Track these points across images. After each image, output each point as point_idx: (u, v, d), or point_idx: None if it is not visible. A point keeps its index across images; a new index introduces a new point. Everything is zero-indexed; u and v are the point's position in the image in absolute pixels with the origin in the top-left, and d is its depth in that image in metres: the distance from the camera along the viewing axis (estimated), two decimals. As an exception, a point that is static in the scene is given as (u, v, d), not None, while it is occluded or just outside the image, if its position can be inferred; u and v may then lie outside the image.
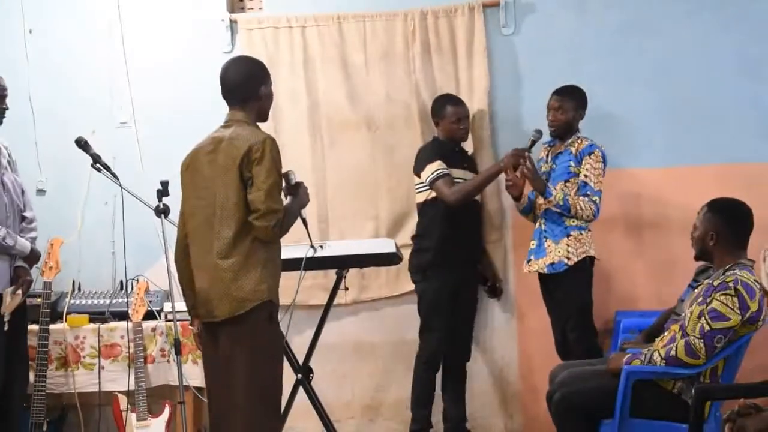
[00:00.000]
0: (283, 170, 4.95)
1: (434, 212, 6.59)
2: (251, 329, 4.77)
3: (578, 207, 6.20)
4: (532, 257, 6.46)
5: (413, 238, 6.81)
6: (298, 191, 5.06)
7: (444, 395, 6.78)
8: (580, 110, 6.45)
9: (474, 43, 7.06)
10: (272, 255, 4.87)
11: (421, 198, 6.69)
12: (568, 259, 6.26)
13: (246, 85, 4.94)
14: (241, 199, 4.74)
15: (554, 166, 6.43)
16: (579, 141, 6.37)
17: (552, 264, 6.32)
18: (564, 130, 6.42)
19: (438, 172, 6.50)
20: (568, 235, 6.29)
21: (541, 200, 6.38)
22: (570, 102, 6.41)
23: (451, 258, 6.56)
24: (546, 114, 6.46)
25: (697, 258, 5.39)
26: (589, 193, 6.23)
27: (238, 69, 5.00)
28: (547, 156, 6.53)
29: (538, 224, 6.47)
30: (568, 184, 6.32)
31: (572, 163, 6.33)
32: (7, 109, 6.13)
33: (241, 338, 4.79)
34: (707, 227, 5.22)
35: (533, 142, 6.41)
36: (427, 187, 6.58)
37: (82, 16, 7.36)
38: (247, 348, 4.77)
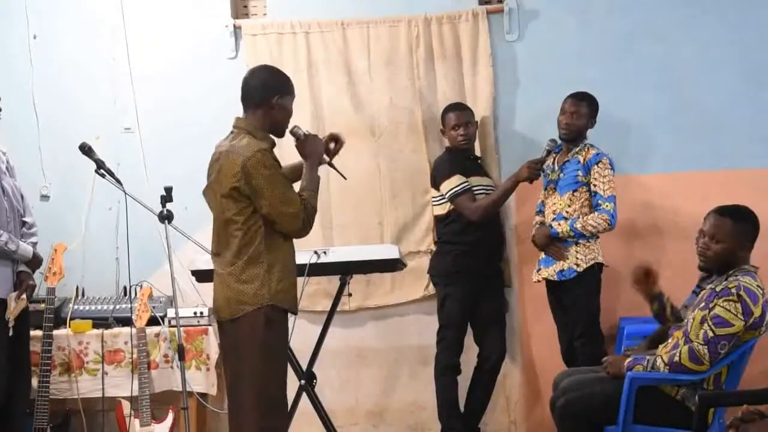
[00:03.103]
0: (289, 128, 5.02)
1: (457, 221, 6.61)
2: (248, 332, 4.79)
3: (589, 227, 6.20)
4: (542, 266, 6.48)
5: (436, 242, 6.83)
6: (306, 148, 5.03)
7: (470, 395, 6.75)
8: (593, 118, 6.46)
9: (478, 50, 7.06)
10: (280, 258, 4.87)
11: (440, 210, 6.70)
12: (578, 266, 6.27)
13: (260, 92, 4.90)
14: (242, 209, 4.77)
15: (562, 175, 6.41)
16: (586, 150, 6.36)
17: (561, 271, 6.32)
18: (576, 135, 6.41)
19: (458, 188, 6.53)
20: (577, 243, 6.29)
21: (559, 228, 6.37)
22: (586, 108, 6.41)
23: (473, 263, 6.57)
24: (558, 116, 6.43)
25: (709, 269, 5.28)
26: (600, 201, 6.22)
27: (259, 75, 5.01)
28: (554, 164, 6.51)
29: None
30: (576, 194, 6.32)
31: (580, 173, 6.31)
32: (0, 110, 6.07)
33: (241, 341, 4.83)
34: (740, 241, 5.13)
35: (548, 152, 6.42)
36: (447, 201, 6.60)
37: (86, 22, 7.37)
38: (247, 351, 4.81)
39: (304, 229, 4.87)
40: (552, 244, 6.35)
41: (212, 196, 4.90)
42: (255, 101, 4.92)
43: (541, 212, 6.63)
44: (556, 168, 6.47)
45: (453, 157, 6.69)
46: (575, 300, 6.33)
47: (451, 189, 6.54)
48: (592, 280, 6.32)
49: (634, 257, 6.84)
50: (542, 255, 6.49)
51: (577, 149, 6.38)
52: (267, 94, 4.91)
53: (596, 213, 6.22)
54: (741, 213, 5.19)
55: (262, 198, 4.73)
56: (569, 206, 6.34)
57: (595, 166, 6.27)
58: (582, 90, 6.48)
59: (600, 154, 6.31)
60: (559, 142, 6.49)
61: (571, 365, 6.26)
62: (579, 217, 6.26)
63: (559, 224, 6.29)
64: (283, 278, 4.88)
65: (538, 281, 6.54)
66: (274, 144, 4.97)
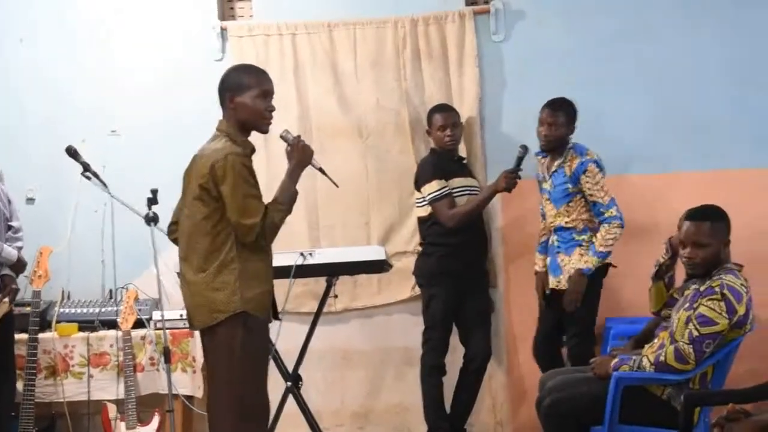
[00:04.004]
0: (280, 133, 5.01)
1: (439, 223, 6.57)
2: (225, 340, 4.76)
3: (609, 242, 6.16)
4: (550, 276, 6.45)
5: (420, 244, 6.81)
6: (294, 153, 4.97)
7: (456, 396, 6.74)
8: (572, 124, 6.40)
9: (464, 50, 7.06)
10: (253, 266, 4.81)
11: (422, 212, 6.67)
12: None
13: (220, 93, 4.92)
14: (211, 213, 4.73)
15: (552, 185, 6.39)
16: (571, 157, 6.31)
17: (569, 277, 6.30)
18: (557, 145, 6.36)
19: (437, 193, 6.51)
20: (580, 245, 6.28)
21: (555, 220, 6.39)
22: (564, 117, 6.34)
23: (457, 264, 6.55)
24: (537, 127, 6.39)
25: (698, 275, 5.24)
26: (602, 210, 6.19)
27: (223, 75, 4.98)
28: (544, 171, 6.47)
29: (550, 241, 6.47)
30: (571, 204, 6.30)
31: (569, 186, 6.27)
32: None
33: (216, 349, 4.81)
34: (721, 239, 5.13)
35: (520, 159, 6.36)
36: (427, 204, 6.59)
37: (72, 25, 7.36)
38: (222, 359, 4.78)
39: (257, 244, 4.77)
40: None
41: (188, 199, 4.84)
42: (220, 102, 4.93)
43: (544, 217, 6.60)
44: (547, 177, 6.44)
45: (436, 159, 6.67)
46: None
47: (431, 193, 6.53)
48: (597, 281, 6.29)
49: (622, 258, 6.83)
50: (547, 259, 6.49)
51: (562, 159, 6.34)
52: (223, 94, 4.91)
53: (606, 225, 6.18)
54: (714, 212, 5.20)
55: (226, 201, 4.69)
56: (568, 217, 6.33)
57: (583, 176, 6.23)
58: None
59: (585, 162, 6.25)
60: (534, 151, 6.47)
61: (544, 361, 6.34)
62: (589, 234, 6.26)
63: (587, 260, 6.19)
64: (257, 285, 4.81)
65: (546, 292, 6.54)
66: (253, 150, 4.94)
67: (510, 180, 6.35)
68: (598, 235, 6.21)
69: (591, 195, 6.23)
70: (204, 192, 4.72)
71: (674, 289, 5.59)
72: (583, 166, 6.24)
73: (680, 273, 5.53)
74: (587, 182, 6.22)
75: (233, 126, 4.88)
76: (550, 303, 6.51)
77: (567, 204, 6.31)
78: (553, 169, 6.38)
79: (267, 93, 4.95)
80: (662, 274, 5.63)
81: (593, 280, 6.26)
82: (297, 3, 7.29)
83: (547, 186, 6.44)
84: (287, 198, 4.87)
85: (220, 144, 4.80)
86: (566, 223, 6.33)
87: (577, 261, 6.26)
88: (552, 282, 6.42)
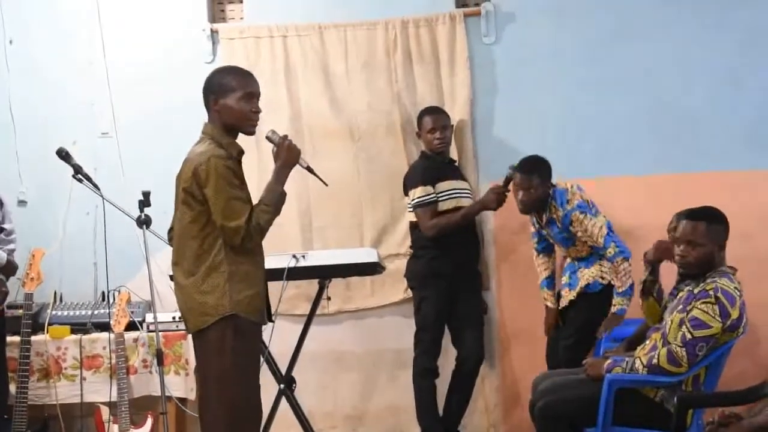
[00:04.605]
0: (265, 134, 4.94)
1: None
2: (215, 343, 4.72)
3: (623, 278, 6.10)
4: (566, 290, 6.43)
5: (411, 246, 6.82)
6: (279, 154, 4.87)
7: (449, 398, 6.73)
8: (548, 181, 6.32)
9: (455, 53, 7.07)
10: (243, 268, 4.77)
11: (414, 217, 6.67)
12: (602, 278, 6.26)
13: (204, 96, 4.86)
14: (197, 216, 4.70)
15: (552, 234, 6.39)
16: (555, 209, 6.26)
17: (587, 285, 6.29)
18: (535, 207, 6.33)
19: (420, 200, 6.54)
20: (600, 258, 6.27)
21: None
22: (538, 178, 6.26)
23: (448, 266, 6.55)
24: (515, 190, 6.32)
25: (690, 275, 5.26)
26: (602, 252, 6.19)
27: (206, 79, 4.94)
28: (540, 219, 6.41)
29: (569, 261, 6.49)
30: (577, 247, 6.32)
31: (565, 234, 6.28)
32: None
33: (207, 352, 4.78)
34: (717, 241, 5.13)
35: (508, 180, 6.36)
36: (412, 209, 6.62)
37: (63, 26, 7.36)
38: (213, 361, 4.75)
39: (245, 246, 4.71)
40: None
41: (177, 203, 4.82)
42: (205, 105, 4.88)
43: (538, 252, 6.65)
44: (544, 224, 6.39)
45: (426, 164, 6.68)
46: (586, 307, 6.31)
47: (414, 199, 6.56)
48: (611, 291, 6.24)
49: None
50: (564, 280, 6.49)
51: (548, 212, 6.31)
52: (207, 96, 4.85)
53: (612, 264, 6.16)
54: (713, 214, 5.19)
55: (210, 204, 4.65)
56: (580, 252, 6.36)
57: (571, 226, 6.23)
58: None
59: (568, 214, 6.22)
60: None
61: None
62: (611, 277, 6.22)
63: (615, 304, 6.12)
64: (246, 288, 4.77)
65: (564, 306, 6.49)
66: (241, 152, 4.88)
67: (502, 197, 6.38)
68: (613, 275, 6.19)
69: (585, 241, 6.25)
70: (189, 196, 4.69)
71: (666, 300, 5.58)
72: (567, 219, 6.23)
73: (668, 278, 5.54)
74: (577, 231, 6.22)
75: (218, 128, 4.82)
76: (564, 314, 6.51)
77: (573, 245, 6.34)
78: (545, 221, 6.37)
79: (252, 95, 4.87)
80: (649, 289, 5.65)
81: (608, 290, 6.23)
82: (287, 5, 7.30)
83: (547, 231, 6.44)
84: (273, 199, 4.80)
85: (204, 147, 4.75)
86: (580, 256, 6.36)
87: (596, 270, 6.27)
88: (568, 295, 6.39)
